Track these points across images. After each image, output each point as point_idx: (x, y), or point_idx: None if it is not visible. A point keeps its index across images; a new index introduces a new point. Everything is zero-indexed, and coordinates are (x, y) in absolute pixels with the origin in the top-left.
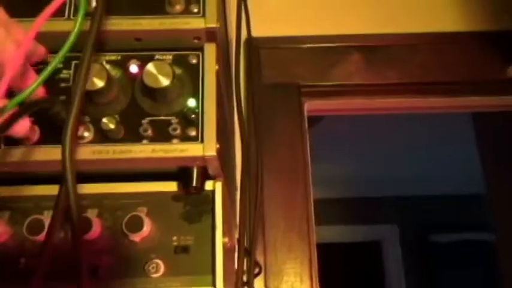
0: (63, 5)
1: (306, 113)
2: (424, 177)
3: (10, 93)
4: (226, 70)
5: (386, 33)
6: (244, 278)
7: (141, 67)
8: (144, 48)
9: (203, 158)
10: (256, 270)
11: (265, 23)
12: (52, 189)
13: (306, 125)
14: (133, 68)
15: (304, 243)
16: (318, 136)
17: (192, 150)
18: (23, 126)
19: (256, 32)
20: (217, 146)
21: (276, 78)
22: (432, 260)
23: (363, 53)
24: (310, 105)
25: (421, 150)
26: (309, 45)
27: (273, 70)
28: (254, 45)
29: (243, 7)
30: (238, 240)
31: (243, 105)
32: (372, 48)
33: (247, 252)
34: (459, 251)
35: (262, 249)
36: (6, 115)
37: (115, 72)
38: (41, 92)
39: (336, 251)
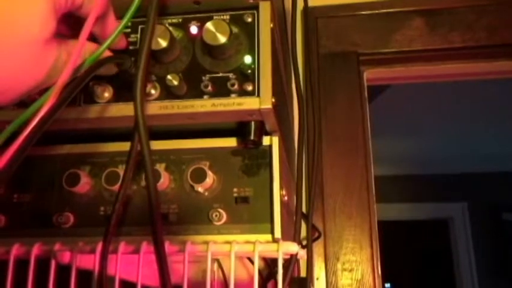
0: None
1: (365, 82)
2: (496, 153)
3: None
4: (284, 40)
5: None
6: (304, 243)
7: (201, 28)
8: (202, 10)
9: (259, 111)
10: (316, 235)
11: None
12: (125, 146)
13: (366, 94)
14: (194, 29)
15: (364, 211)
16: (383, 110)
17: (249, 103)
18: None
19: (312, 1)
20: (273, 100)
21: (334, 47)
22: (504, 240)
23: (424, 17)
24: (369, 74)
25: (494, 123)
26: (366, 11)
27: (330, 39)
28: (311, 15)
29: None
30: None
31: (300, 74)
32: (434, 12)
33: (305, 217)
34: None
35: (321, 216)
36: (82, 71)
37: (177, 34)
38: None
39: (402, 228)
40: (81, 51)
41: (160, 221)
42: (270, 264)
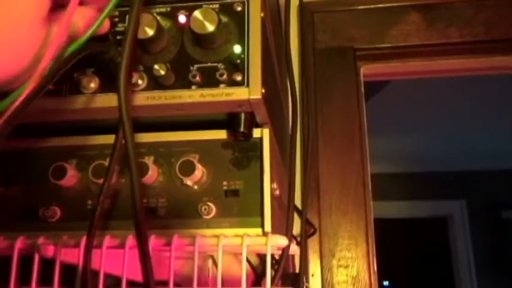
0: None
1: (362, 78)
2: (495, 150)
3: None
4: (278, 34)
5: None
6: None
7: (189, 17)
8: None
9: (249, 102)
10: (311, 230)
11: None
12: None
13: (363, 90)
14: (182, 18)
15: (360, 208)
16: (381, 108)
17: (238, 93)
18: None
19: None
20: (263, 90)
21: (330, 43)
22: (503, 237)
23: (422, 11)
24: (366, 69)
25: (493, 120)
26: (363, 6)
27: (327, 34)
28: (307, 10)
29: None
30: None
31: (296, 69)
32: (431, 6)
33: (299, 212)
34: None
35: (317, 213)
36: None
37: (165, 23)
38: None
39: (401, 226)
40: (68, 25)
41: (143, 213)
42: (265, 260)
